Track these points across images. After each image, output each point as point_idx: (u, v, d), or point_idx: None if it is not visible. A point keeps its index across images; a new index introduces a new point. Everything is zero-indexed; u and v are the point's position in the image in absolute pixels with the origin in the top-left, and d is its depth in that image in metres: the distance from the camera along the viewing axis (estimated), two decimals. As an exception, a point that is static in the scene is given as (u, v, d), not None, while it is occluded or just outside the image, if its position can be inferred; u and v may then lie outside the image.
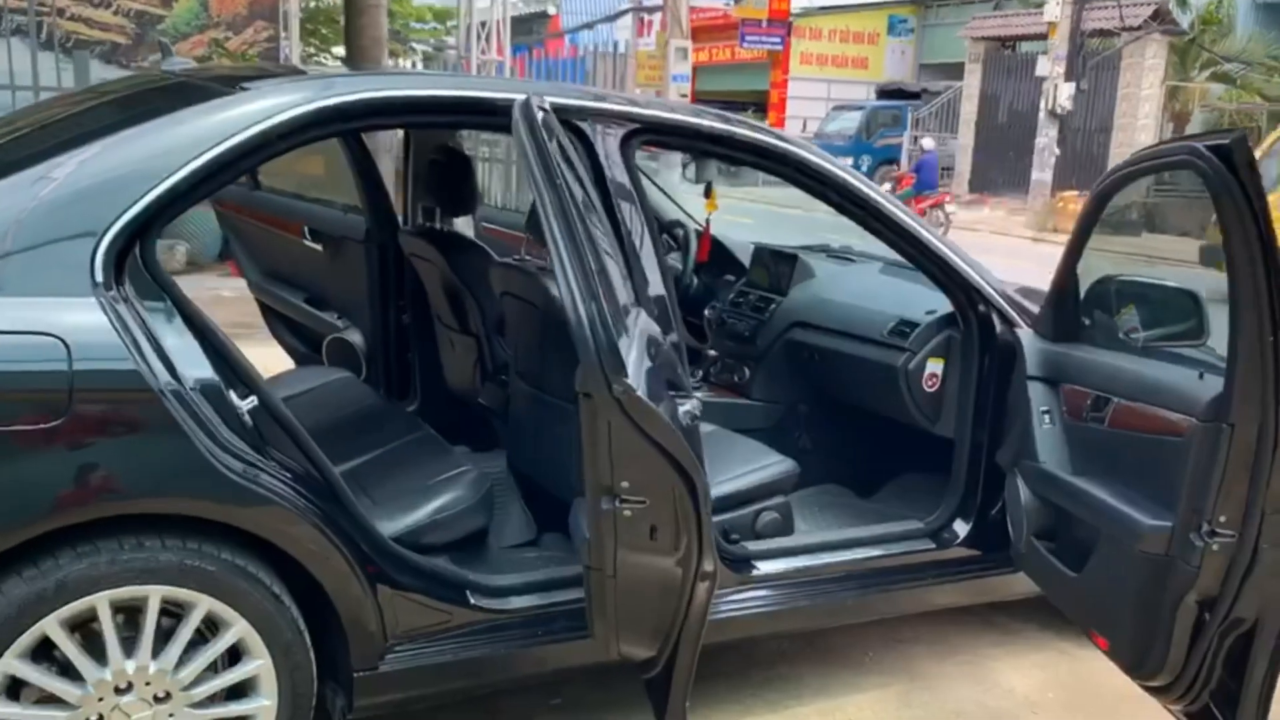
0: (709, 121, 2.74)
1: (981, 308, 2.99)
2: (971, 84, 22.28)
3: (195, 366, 2.06)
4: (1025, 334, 2.86)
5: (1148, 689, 2.34)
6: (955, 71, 23.91)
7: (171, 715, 2.12)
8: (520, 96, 2.16)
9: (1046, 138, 18.16)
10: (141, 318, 2.03)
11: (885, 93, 24.77)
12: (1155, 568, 2.18)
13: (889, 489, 3.54)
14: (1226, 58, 19.81)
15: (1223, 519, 2.05)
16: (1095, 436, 2.54)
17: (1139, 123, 19.47)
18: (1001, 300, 2.98)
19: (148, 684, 2.09)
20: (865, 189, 2.87)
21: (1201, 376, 2.20)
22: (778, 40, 25.99)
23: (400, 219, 3.83)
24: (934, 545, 3.06)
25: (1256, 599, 2.08)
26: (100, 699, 2.05)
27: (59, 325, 1.94)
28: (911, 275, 3.66)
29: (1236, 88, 19.66)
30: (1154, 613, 2.19)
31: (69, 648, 2.01)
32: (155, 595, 2.05)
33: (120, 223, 2.04)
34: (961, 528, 3.07)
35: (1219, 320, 2.57)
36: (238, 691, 2.18)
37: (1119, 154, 19.65)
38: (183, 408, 2.01)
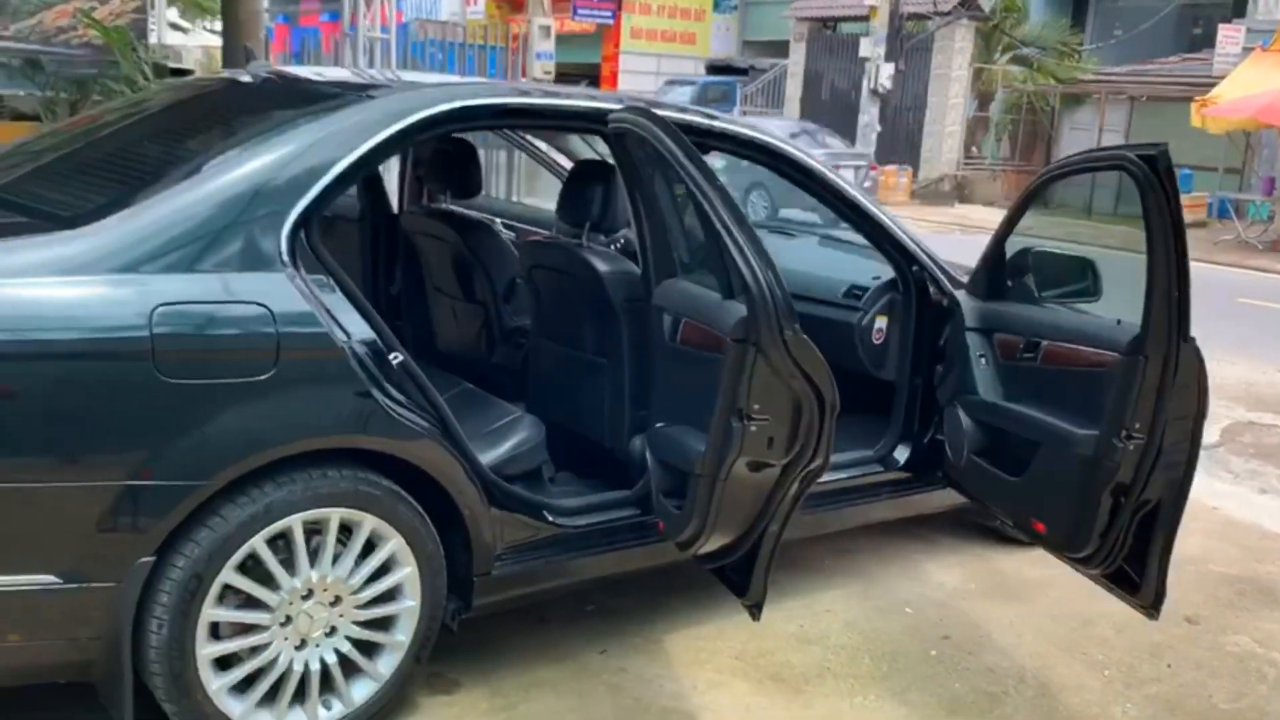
0: (713, 121, 3.32)
1: (918, 272, 3.67)
2: (796, 62, 23.46)
3: (361, 329, 2.51)
4: (961, 294, 3.56)
5: (1074, 560, 3.08)
6: (777, 49, 25.07)
7: (341, 615, 2.58)
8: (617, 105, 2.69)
9: (869, 115, 19.42)
10: (313, 290, 2.46)
11: (714, 69, 25.73)
12: (1085, 466, 2.90)
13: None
14: (1024, 42, 21.64)
15: (1137, 426, 2.79)
16: (1026, 372, 3.27)
17: (950, 101, 21.05)
18: (934, 266, 3.68)
19: (325, 590, 2.54)
20: (834, 178, 3.51)
21: (1119, 323, 2.94)
22: (609, 14, 26.54)
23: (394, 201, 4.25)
24: (882, 469, 3.74)
25: (1160, 484, 2.84)
26: (290, 603, 2.49)
27: (264, 295, 2.37)
28: (844, 246, 4.36)
29: (1033, 70, 21.53)
30: (1084, 500, 2.92)
31: (271, 561, 2.44)
32: (335, 516, 2.50)
33: (298, 209, 2.46)
34: (902, 454, 3.76)
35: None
36: (389, 595, 2.65)
37: (933, 130, 21.23)
38: (359, 362, 2.47)
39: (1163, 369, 2.74)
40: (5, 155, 3.02)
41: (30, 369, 2.16)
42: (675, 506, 2.77)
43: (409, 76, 4.38)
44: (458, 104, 2.74)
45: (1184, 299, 2.66)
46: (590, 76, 26.09)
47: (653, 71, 26.91)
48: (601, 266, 3.19)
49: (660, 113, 2.75)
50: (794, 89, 23.47)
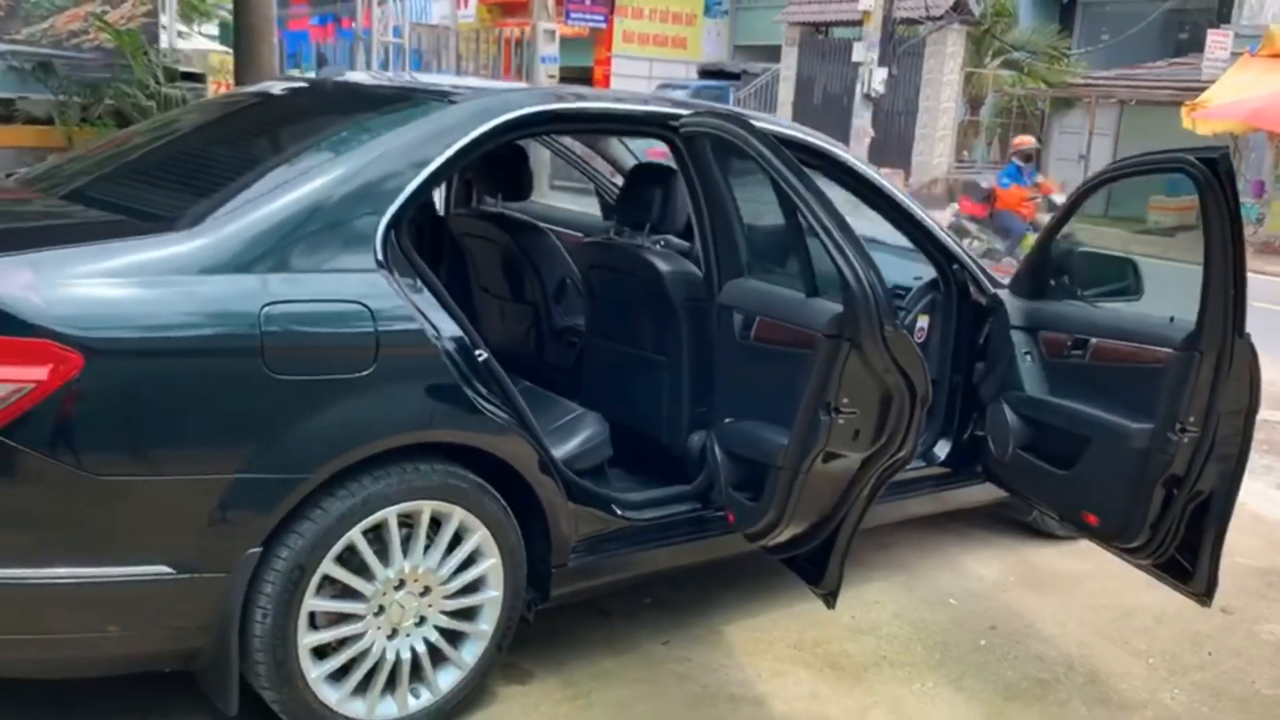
0: (784, 129, 3.40)
1: (959, 271, 3.77)
2: (788, 67, 23.55)
3: (450, 328, 2.59)
4: (1004, 294, 3.66)
5: (1124, 550, 3.18)
6: (768, 54, 25.15)
7: (430, 605, 2.65)
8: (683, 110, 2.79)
9: (862, 120, 19.54)
10: (405, 289, 2.54)
11: (707, 73, 25.82)
12: (1139, 458, 3.00)
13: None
14: (1015, 46, 21.83)
15: (1190, 420, 2.89)
16: (1074, 368, 3.36)
17: (941, 105, 21.19)
18: (975, 266, 3.78)
19: (416, 580, 2.61)
20: (879, 179, 3.60)
21: (1172, 320, 3.04)
22: (601, 18, 26.64)
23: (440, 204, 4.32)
24: (923, 464, 3.83)
25: (1212, 475, 2.94)
26: (384, 593, 2.56)
27: (363, 295, 2.44)
28: (881, 249, 4.45)
29: (1023, 74, 21.72)
30: (1136, 492, 3.02)
31: (367, 552, 2.51)
32: (427, 509, 2.58)
33: (390, 211, 2.54)
34: (942, 449, 3.85)
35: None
36: (474, 586, 2.72)
37: (925, 134, 21.38)
38: (450, 360, 2.54)
39: (1217, 364, 2.84)
40: (88, 154, 3.09)
41: (146, 365, 2.22)
42: (748, 499, 2.85)
43: (458, 82, 4.45)
44: (536, 108, 2.83)
45: (1240, 296, 2.77)
46: (583, 80, 26.14)
47: (645, 76, 26.98)
48: (663, 266, 3.27)
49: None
50: (786, 93, 23.57)
